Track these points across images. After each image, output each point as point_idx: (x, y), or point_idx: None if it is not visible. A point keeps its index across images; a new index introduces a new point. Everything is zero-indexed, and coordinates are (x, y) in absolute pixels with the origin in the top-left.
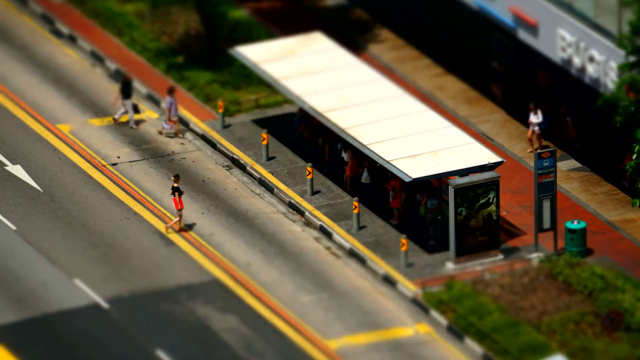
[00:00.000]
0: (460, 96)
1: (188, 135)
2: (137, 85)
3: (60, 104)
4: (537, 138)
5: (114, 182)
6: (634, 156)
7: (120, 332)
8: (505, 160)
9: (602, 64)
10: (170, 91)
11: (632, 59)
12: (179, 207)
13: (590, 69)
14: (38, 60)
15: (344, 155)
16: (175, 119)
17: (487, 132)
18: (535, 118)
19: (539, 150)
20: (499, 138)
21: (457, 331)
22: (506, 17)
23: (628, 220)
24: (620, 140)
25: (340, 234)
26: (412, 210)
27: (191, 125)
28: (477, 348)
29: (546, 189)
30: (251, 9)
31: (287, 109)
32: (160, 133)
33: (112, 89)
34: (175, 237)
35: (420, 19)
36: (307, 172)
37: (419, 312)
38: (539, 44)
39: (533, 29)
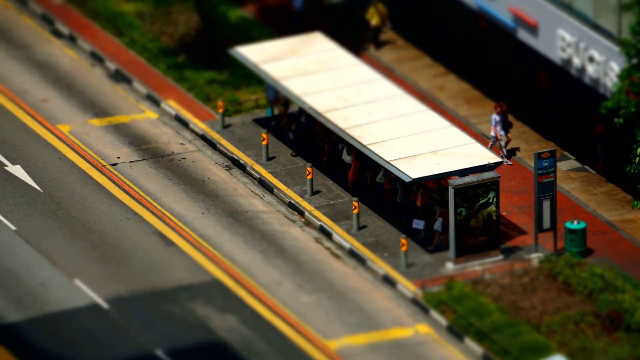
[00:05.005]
0: (460, 96)
1: (187, 135)
2: (137, 86)
3: (60, 104)
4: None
5: (114, 182)
6: (637, 160)
7: (120, 332)
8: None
9: (602, 64)
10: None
11: (634, 62)
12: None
13: (590, 69)
14: (38, 60)
15: (347, 157)
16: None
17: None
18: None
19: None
20: None
21: (457, 331)
22: (506, 17)
23: (628, 220)
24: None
25: (340, 234)
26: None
27: (191, 126)
28: (477, 348)
29: (546, 189)
30: (251, 9)
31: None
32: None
33: (112, 89)
34: (175, 237)
35: (420, 18)
36: (307, 172)
37: (419, 312)
38: (539, 44)
39: (533, 29)
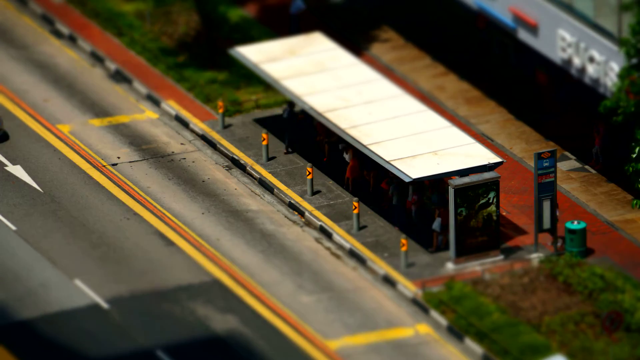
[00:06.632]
0: (460, 96)
1: (187, 135)
2: (137, 86)
3: (60, 104)
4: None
5: (114, 182)
6: (634, 157)
7: (120, 332)
8: (505, 161)
9: (602, 64)
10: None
11: (634, 61)
12: None
13: (590, 69)
14: (38, 60)
15: (345, 156)
16: None
17: (487, 132)
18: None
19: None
20: (499, 138)
21: (457, 331)
22: (506, 17)
23: (628, 220)
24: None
25: (340, 234)
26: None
27: (191, 126)
28: (477, 348)
29: (546, 189)
30: (251, 9)
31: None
32: None
33: (112, 89)
34: (175, 237)
35: (421, 18)
36: (307, 173)
37: (419, 312)
38: (539, 44)
39: (533, 29)
